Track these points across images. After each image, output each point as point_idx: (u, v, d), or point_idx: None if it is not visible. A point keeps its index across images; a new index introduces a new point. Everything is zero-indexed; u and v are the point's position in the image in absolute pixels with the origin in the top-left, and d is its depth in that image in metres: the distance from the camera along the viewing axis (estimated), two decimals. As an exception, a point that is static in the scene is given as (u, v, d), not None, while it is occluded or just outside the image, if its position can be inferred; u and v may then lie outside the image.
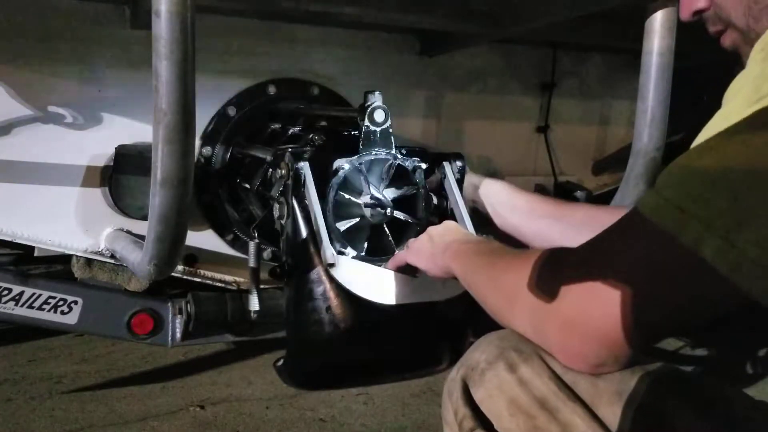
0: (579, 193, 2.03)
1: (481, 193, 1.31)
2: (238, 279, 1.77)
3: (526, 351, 0.77)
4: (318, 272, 1.08)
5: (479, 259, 0.91)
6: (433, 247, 0.99)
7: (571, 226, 1.14)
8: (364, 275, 1.08)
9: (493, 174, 2.06)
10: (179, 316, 1.72)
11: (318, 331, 1.09)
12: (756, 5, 0.74)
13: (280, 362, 1.18)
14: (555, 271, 0.73)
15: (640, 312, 0.66)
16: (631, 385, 0.72)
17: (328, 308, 1.07)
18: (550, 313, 0.72)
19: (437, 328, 1.16)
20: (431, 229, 1.03)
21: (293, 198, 1.13)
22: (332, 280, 1.07)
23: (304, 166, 1.12)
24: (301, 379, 1.20)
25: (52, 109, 1.52)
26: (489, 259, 0.89)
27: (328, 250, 1.07)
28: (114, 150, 1.54)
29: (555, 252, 0.77)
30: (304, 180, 1.11)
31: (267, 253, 1.62)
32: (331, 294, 1.07)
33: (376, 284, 1.07)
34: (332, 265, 1.06)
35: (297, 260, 1.13)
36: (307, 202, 1.11)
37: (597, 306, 0.68)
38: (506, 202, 1.27)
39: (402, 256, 1.06)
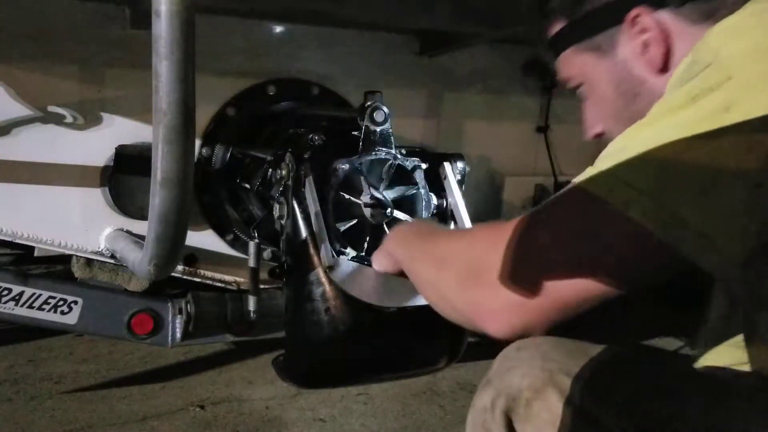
0: (579, 193, 2.03)
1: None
2: (238, 279, 1.77)
3: (585, 373, 0.72)
4: (317, 274, 1.08)
5: (416, 239, 0.94)
6: (386, 244, 1.02)
7: None
8: (362, 277, 1.08)
9: (494, 174, 2.07)
10: (179, 316, 1.72)
11: (317, 332, 1.09)
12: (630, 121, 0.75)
13: (280, 359, 1.19)
14: (490, 237, 0.74)
15: (568, 275, 0.67)
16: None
17: (327, 310, 1.08)
18: (479, 275, 0.72)
19: (436, 327, 1.15)
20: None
21: (293, 199, 1.13)
22: (331, 282, 1.07)
23: (305, 168, 1.12)
24: (300, 378, 1.20)
25: (52, 109, 1.52)
26: (425, 236, 0.92)
27: (328, 252, 1.07)
28: (114, 150, 1.54)
29: (492, 223, 0.78)
30: (304, 181, 1.11)
31: (267, 253, 1.62)
32: (330, 296, 1.08)
33: (374, 287, 1.07)
34: (331, 267, 1.07)
35: (296, 261, 1.13)
36: (307, 203, 1.11)
37: (527, 271, 0.69)
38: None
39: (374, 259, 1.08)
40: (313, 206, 1.10)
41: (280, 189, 1.17)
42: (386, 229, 1.20)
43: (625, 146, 0.67)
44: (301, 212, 1.12)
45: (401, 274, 0.99)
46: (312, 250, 1.10)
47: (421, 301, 1.07)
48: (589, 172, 0.70)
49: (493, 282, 0.70)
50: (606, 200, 0.65)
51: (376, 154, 1.18)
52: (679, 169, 0.63)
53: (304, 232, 1.11)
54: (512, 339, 0.74)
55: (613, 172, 0.66)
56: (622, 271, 0.66)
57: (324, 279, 1.08)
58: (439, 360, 1.20)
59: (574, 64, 0.92)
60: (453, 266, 0.77)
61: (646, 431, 0.67)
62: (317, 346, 1.11)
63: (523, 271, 0.69)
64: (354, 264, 1.10)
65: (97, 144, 1.56)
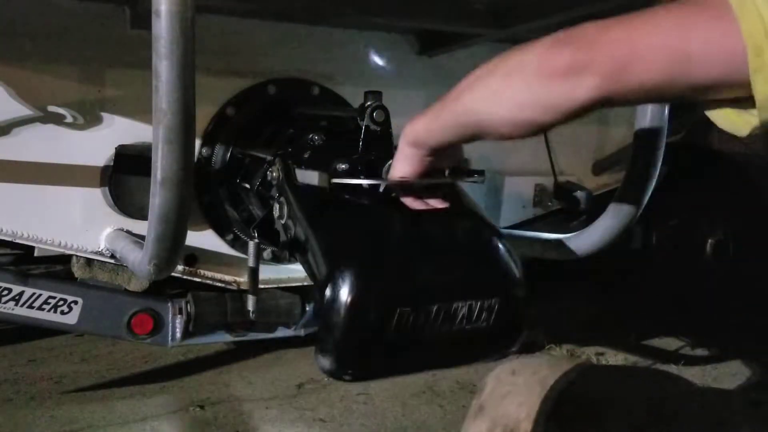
0: (579, 193, 2.03)
1: None
2: (238, 279, 1.77)
3: (584, 400, 0.68)
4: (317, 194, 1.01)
5: (456, 92, 0.82)
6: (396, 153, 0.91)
7: None
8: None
9: (494, 174, 2.07)
10: (179, 316, 1.72)
11: (345, 256, 0.89)
12: None
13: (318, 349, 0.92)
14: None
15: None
16: None
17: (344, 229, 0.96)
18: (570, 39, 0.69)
19: (475, 243, 0.96)
20: None
21: (290, 191, 1.13)
22: (332, 190, 0.97)
23: (293, 160, 1.12)
24: (346, 355, 0.88)
25: (52, 109, 1.52)
26: (468, 83, 0.81)
27: (320, 175, 0.99)
28: (114, 150, 1.54)
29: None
30: (295, 172, 1.11)
31: (267, 253, 1.62)
32: (338, 205, 0.98)
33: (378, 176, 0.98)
34: (332, 175, 0.98)
35: (299, 227, 1.06)
36: (302, 184, 1.10)
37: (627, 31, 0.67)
38: None
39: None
40: (313, 177, 1.05)
41: (278, 190, 1.17)
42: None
43: None
44: (298, 195, 1.10)
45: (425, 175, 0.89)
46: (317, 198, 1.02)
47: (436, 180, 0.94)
48: None
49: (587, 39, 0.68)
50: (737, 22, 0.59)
51: (376, 154, 1.18)
52: None
53: (303, 210, 1.07)
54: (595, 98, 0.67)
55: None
56: (698, 77, 0.63)
57: (333, 200, 0.98)
58: (497, 293, 0.91)
59: None
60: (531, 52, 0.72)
61: None
62: (353, 278, 0.86)
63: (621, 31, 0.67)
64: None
65: (97, 144, 1.56)
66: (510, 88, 0.73)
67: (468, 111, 0.78)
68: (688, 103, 0.73)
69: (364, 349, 0.88)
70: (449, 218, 0.96)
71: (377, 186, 0.99)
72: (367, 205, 0.97)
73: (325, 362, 0.88)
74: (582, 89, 0.67)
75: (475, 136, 0.80)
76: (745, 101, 0.63)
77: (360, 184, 1.00)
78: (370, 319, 0.86)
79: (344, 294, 0.85)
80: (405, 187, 0.94)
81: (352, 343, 0.87)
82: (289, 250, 1.07)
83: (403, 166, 0.89)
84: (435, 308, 0.87)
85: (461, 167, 1.00)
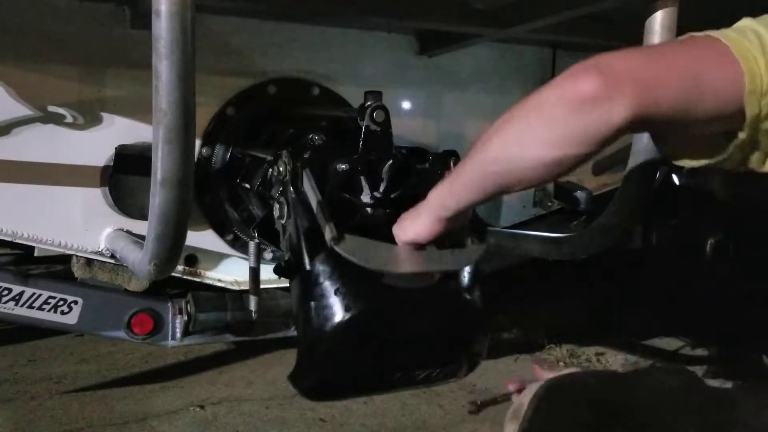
0: (579, 193, 2.03)
1: None
2: (238, 279, 1.77)
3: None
4: (322, 255, 1.02)
5: (478, 141, 0.81)
6: (412, 212, 0.93)
7: None
8: (370, 248, 0.99)
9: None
10: (179, 316, 1.72)
11: (328, 318, 0.98)
12: None
13: (294, 372, 1.07)
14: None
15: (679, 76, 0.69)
16: None
17: (337, 290, 1.00)
18: (587, 69, 0.70)
19: (453, 319, 1.08)
20: None
21: (293, 193, 1.12)
22: (338, 258, 0.97)
23: (302, 161, 1.11)
24: (313, 387, 1.07)
25: (52, 109, 1.52)
26: (486, 137, 0.79)
27: (332, 229, 0.99)
28: (114, 150, 1.54)
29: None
30: (302, 174, 1.11)
31: (267, 253, 1.62)
32: (338, 273, 1.00)
33: (383, 256, 0.98)
34: (336, 239, 0.97)
35: (299, 251, 1.08)
36: (306, 195, 1.10)
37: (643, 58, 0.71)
38: None
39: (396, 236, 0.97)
40: (315, 196, 1.06)
41: (280, 189, 1.17)
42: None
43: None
44: (301, 205, 1.10)
45: (436, 241, 0.91)
46: (314, 235, 1.03)
47: (433, 266, 0.99)
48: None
49: (607, 66, 0.70)
50: (736, 56, 0.70)
51: (376, 154, 1.17)
52: None
53: (305, 222, 1.08)
54: (629, 123, 0.69)
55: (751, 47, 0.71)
56: (709, 100, 0.70)
57: (330, 257, 1.00)
58: (460, 362, 1.10)
59: None
60: (550, 93, 0.73)
61: None
62: (330, 337, 1.00)
63: (639, 58, 0.71)
64: (362, 239, 1.01)
65: (97, 144, 1.56)
66: (535, 127, 0.72)
67: (491, 161, 0.76)
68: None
69: (338, 384, 1.07)
70: (438, 298, 1.07)
71: (377, 204, 1.10)
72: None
73: (302, 387, 1.06)
74: (617, 111, 0.67)
75: (500, 190, 0.79)
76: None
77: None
78: (350, 361, 1.03)
79: (330, 345, 1.00)
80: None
81: (329, 378, 1.05)
82: (282, 274, 1.09)
83: (418, 228, 0.90)
84: (397, 376, 1.06)
85: (469, 226, 1.05)
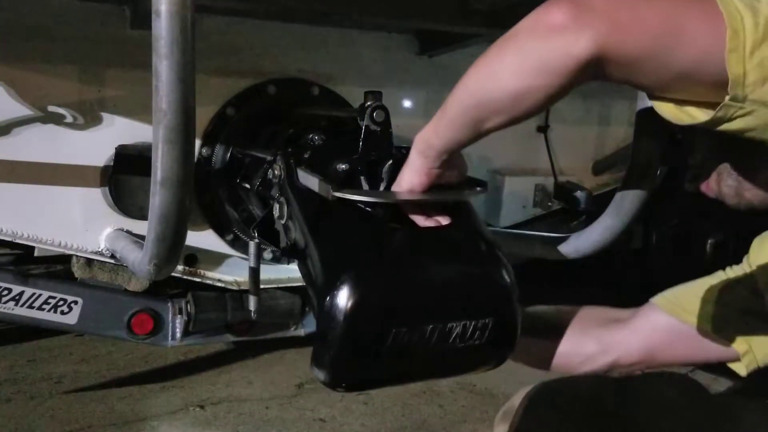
0: (579, 193, 2.03)
1: None
2: (238, 279, 1.77)
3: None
4: (325, 219, 0.99)
5: (456, 86, 0.81)
6: (403, 166, 0.92)
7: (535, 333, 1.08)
8: (369, 192, 0.98)
9: (494, 174, 2.07)
10: (179, 315, 1.72)
11: (336, 270, 0.89)
12: None
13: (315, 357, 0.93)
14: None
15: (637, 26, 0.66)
16: None
17: (346, 241, 0.95)
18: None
19: (473, 262, 0.97)
20: None
21: (291, 190, 1.12)
22: (337, 202, 0.95)
23: (294, 159, 1.11)
24: (344, 370, 0.92)
25: (52, 109, 1.52)
26: (467, 71, 0.79)
27: (325, 183, 0.97)
28: (114, 150, 1.54)
29: None
30: (297, 171, 1.11)
31: (267, 253, 1.62)
32: (342, 215, 0.96)
33: (383, 193, 0.97)
34: (336, 188, 0.95)
35: (303, 230, 1.05)
36: (302, 184, 1.09)
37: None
38: None
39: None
40: (313, 179, 1.04)
41: (279, 189, 1.17)
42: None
43: None
44: (300, 193, 1.10)
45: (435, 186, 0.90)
46: (313, 203, 1.01)
47: (434, 197, 0.95)
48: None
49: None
50: (721, 10, 0.65)
51: (376, 154, 1.17)
52: None
53: (304, 201, 1.06)
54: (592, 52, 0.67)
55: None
56: (684, 51, 0.66)
57: (335, 210, 0.96)
58: (488, 357, 0.96)
59: None
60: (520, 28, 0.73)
61: None
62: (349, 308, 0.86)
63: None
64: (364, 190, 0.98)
65: (97, 144, 1.56)
66: (506, 57, 0.73)
67: (470, 94, 0.78)
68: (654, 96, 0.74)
69: (359, 363, 0.91)
70: (449, 237, 0.97)
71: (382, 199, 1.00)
72: (370, 218, 0.96)
73: (321, 374, 0.90)
74: (581, 43, 0.67)
75: (482, 124, 0.80)
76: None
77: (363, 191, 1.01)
78: (367, 335, 0.88)
79: (342, 309, 0.86)
80: (412, 202, 0.95)
81: (347, 357, 0.89)
82: (289, 255, 1.06)
83: (411, 177, 0.90)
84: (430, 328, 0.89)
85: (466, 181, 1.00)
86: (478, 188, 1.01)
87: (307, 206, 1.07)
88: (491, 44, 0.78)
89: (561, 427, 0.72)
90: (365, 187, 1.17)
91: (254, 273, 1.23)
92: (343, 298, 0.86)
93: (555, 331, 1.09)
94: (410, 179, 0.90)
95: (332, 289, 0.87)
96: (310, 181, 1.06)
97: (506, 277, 0.96)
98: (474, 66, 0.78)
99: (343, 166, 1.15)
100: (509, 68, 0.73)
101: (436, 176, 0.89)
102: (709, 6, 0.66)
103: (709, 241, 2.46)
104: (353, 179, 1.17)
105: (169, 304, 1.72)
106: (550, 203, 2.11)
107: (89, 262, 1.67)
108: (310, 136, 1.30)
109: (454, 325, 0.91)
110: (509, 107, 0.75)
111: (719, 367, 1.04)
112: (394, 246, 0.95)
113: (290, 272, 1.80)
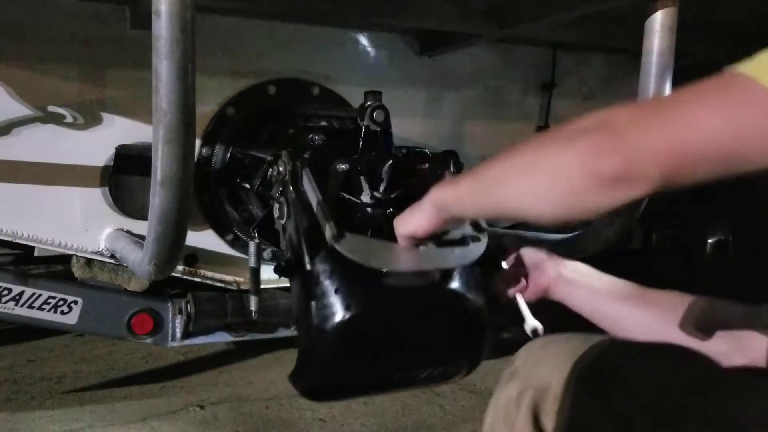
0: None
1: (565, 277, 1.20)
2: (238, 279, 1.77)
3: (615, 370, 0.68)
4: (322, 254, 1.02)
5: (491, 166, 0.81)
6: (414, 206, 0.93)
7: (655, 310, 1.05)
8: (370, 246, 1.00)
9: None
10: (179, 316, 1.72)
11: (328, 317, 0.98)
12: None
13: (294, 372, 1.07)
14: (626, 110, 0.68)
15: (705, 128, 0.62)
16: None
17: (337, 289, 0.99)
18: (611, 131, 0.66)
19: (453, 318, 1.08)
20: None
21: (293, 192, 1.12)
22: (339, 257, 0.97)
23: (301, 161, 1.11)
24: (314, 386, 1.07)
25: (52, 109, 1.52)
26: (506, 157, 0.79)
27: (332, 227, 0.99)
28: (114, 150, 1.54)
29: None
30: (302, 174, 1.11)
31: (267, 253, 1.62)
32: (338, 272, 1.00)
33: (383, 254, 0.99)
34: (336, 238, 0.97)
35: (300, 250, 1.07)
36: (306, 194, 1.09)
37: (667, 121, 0.64)
38: (585, 284, 1.18)
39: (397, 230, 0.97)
40: (315, 195, 1.06)
41: (280, 189, 1.17)
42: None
43: None
44: (301, 203, 1.10)
45: (432, 238, 0.92)
46: (314, 235, 1.03)
47: (431, 264, 1.00)
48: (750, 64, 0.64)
49: (629, 134, 0.65)
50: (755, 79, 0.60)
51: (376, 154, 1.17)
52: None
53: (305, 221, 1.07)
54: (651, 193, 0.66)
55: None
56: (755, 153, 0.62)
57: (329, 257, 1.00)
58: (460, 364, 1.10)
59: None
60: (572, 142, 0.69)
61: (676, 430, 0.65)
62: (329, 336, 0.98)
63: (662, 121, 0.65)
64: (362, 237, 1.02)
65: (97, 144, 1.56)
66: (554, 191, 0.71)
67: (506, 202, 0.77)
68: None
69: (338, 384, 1.07)
70: (438, 297, 1.05)
71: (377, 204, 1.08)
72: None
73: (302, 387, 1.06)
74: (635, 192, 0.65)
75: (503, 218, 0.81)
76: None
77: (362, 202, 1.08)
78: (350, 361, 1.03)
79: (331, 345, 0.99)
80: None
81: (329, 378, 1.05)
82: (282, 274, 1.09)
83: (418, 222, 0.91)
84: (399, 375, 1.06)
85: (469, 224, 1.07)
86: (476, 246, 1.06)
87: (305, 217, 1.09)
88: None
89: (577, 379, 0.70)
90: (365, 187, 1.17)
91: (254, 273, 1.23)
92: (325, 344, 0.99)
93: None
94: (417, 224, 0.91)
95: (323, 322, 0.99)
96: (310, 191, 1.08)
97: (479, 331, 1.09)
98: (514, 176, 0.77)
99: (343, 166, 1.15)
100: (559, 202, 0.71)
101: (442, 227, 0.92)
102: (761, 93, 0.60)
103: (709, 241, 2.46)
104: (353, 179, 1.17)
105: (169, 304, 1.72)
106: (550, 203, 2.11)
107: (89, 262, 1.67)
108: (310, 136, 1.30)
109: (422, 371, 1.07)
110: (546, 224, 0.75)
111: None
112: (385, 300, 1.02)
113: (290, 272, 1.80)
